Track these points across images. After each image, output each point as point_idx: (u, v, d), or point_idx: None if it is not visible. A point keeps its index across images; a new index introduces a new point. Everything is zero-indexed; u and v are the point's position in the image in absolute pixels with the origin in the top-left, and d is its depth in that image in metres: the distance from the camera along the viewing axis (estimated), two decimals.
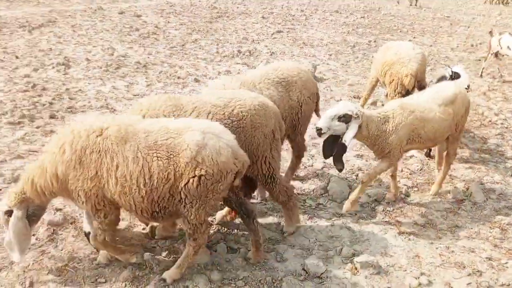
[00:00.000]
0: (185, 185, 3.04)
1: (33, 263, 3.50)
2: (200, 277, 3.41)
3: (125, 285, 3.32)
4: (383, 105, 7.11)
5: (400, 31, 14.86)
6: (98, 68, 8.85)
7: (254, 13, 17.44)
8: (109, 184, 3.06)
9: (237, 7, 18.59)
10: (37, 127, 6.09)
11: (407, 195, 4.94)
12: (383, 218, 4.45)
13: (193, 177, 3.02)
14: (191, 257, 3.34)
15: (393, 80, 6.09)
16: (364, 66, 10.32)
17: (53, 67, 8.61)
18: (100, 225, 3.25)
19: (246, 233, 4.03)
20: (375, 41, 12.97)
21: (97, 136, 3.08)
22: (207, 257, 3.66)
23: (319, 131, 3.88)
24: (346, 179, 5.14)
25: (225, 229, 4.11)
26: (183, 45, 11.46)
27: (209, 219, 3.79)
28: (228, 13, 17.03)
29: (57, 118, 6.47)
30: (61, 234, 3.88)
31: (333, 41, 13.00)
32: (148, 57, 10.00)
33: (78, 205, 3.28)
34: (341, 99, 7.77)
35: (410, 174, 5.44)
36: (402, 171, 5.44)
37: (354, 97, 7.96)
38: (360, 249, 3.90)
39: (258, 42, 12.36)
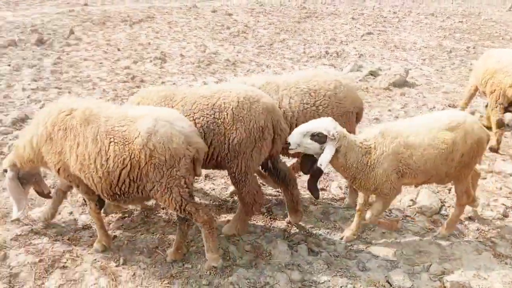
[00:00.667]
0: (142, 171, 3.13)
1: (127, 243, 3.76)
2: (281, 275, 3.44)
3: (209, 273, 3.44)
4: (481, 116, 6.62)
5: (503, 38, 13.69)
6: (191, 63, 9.28)
7: (344, 14, 17.13)
8: (71, 160, 3.25)
9: (326, 8, 18.39)
10: None
11: (505, 215, 4.54)
12: (477, 238, 4.14)
13: (148, 163, 3.09)
14: (210, 236, 3.39)
15: (494, 90, 5.65)
16: (461, 73, 9.66)
17: (151, 61, 9.19)
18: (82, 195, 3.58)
19: (328, 237, 3.98)
20: (474, 48, 12.09)
21: (66, 115, 3.30)
22: (288, 256, 3.67)
23: (287, 146, 3.45)
24: (438, 192, 4.85)
25: (307, 231, 4.09)
26: (271, 44, 11.60)
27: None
28: (317, 13, 16.91)
29: None
30: (153, 218, 4.13)
31: (428, 45, 12.34)
32: (237, 55, 10.27)
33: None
34: (434, 107, 7.35)
35: (510, 193, 4.99)
36: (501, 189, 5.01)
37: (449, 106, 7.48)
38: (450, 267, 3.66)
39: (347, 44, 12.13)
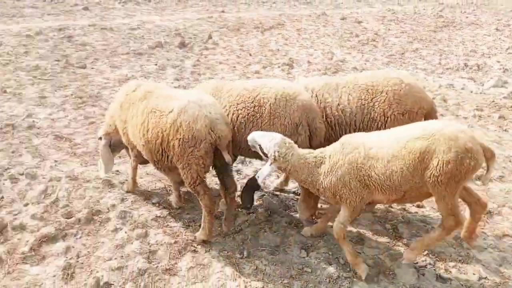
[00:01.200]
0: (170, 144, 3.55)
1: (250, 238, 3.94)
2: None
3: (328, 281, 3.43)
4: None
5: None
6: (317, 70, 9.34)
7: (486, 24, 15.63)
8: (129, 128, 3.90)
9: (466, 17, 16.98)
10: None
11: None
12: None
13: (174, 138, 3.50)
14: (207, 219, 3.70)
15: None
16: None
17: (279, 67, 9.48)
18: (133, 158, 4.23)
19: (460, 265, 3.67)
20: None
21: (132, 91, 3.96)
22: (414, 278, 3.47)
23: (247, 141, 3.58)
24: None
25: (436, 255, 3.81)
26: (402, 53, 11.11)
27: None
28: (455, 22, 15.71)
29: None
30: (276, 217, 4.25)
31: None
32: (365, 64, 10.04)
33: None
34: None
35: None
36: None
37: None
38: None
39: (489, 57, 11.04)
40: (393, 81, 3.93)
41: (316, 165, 3.41)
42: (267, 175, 3.52)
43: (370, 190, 3.33)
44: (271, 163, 3.42)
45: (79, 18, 13.06)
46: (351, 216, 3.43)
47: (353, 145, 3.34)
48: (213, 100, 3.75)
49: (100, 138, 4.42)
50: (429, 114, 3.98)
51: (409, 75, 4.32)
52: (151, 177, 4.85)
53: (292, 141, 3.45)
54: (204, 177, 3.66)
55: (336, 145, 3.43)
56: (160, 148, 3.65)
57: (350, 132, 3.82)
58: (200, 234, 3.79)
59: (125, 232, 3.87)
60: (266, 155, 3.42)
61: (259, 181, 3.56)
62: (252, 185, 3.82)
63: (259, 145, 3.44)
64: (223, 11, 15.98)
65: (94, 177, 4.70)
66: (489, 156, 3.21)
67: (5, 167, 4.79)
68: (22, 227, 3.86)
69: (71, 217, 4.01)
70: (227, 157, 3.55)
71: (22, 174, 4.68)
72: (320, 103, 4.05)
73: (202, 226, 3.78)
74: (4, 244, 3.66)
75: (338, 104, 3.99)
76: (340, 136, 3.55)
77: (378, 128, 3.90)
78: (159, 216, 4.17)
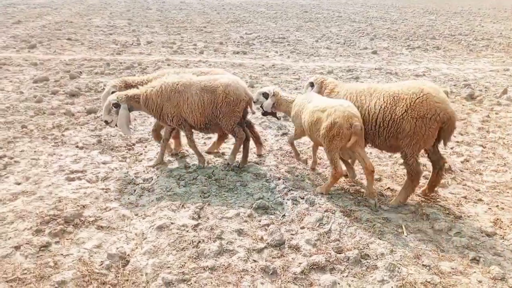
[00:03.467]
0: (219, 106, 5.66)
1: None
2: None
3: None
4: None
5: None
6: None
7: None
8: (184, 109, 5.67)
9: None
10: None
11: None
12: None
13: (223, 101, 5.62)
14: (236, 147, 6.04)
15: None
16: None
17: None
18: (186, 133, 5.92)
19: None
20: None
21: (175, 84, 5.68)
22: None
23: (254, 101, 5.97)
24: None
25: None
26: None
27: None
28: None
29: None
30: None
31: None
32: None
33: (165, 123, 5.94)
34: None
35: None
36: None
37: None
38: None
39: None
40: (413, 91, 4.63)
41: (289, 105, 5.76)
42: (269, 105, 5.87)
43: (303, 129, 5.45)
44: (269, 98, 5.85)
45: (366, 61, 13.82)
46: (296, 136, 5.80)
47: (301, 101, 5.48)
48: (241, 80, 5.95)
49: (116, 104, 5.62)
50: (448, 122, 4.57)
51: (434, 86, 4.72)
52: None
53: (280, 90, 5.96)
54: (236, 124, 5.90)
55: (297, 99, 5.64)
56: (211, 112, 5.71)
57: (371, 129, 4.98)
58: (229, 159, 6.11)
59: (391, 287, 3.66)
60: (267, 97, 5.89)
61: (265, 108, 5.94)
62: (265, 113, 6.14)
63: (264, 92, 5.91)
64: None
65: (365, 219, 4.69)
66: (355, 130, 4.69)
67: (289, 188, 5.36)
68: (297, 248, 4.17)
69: (341, 253, 4.08)
70: (253, 110, 6.12)
71: (302, 198, 5.12)
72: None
73: (232, 151, 6.15)
74: (281, 259, 4.02)
75: (373, 106, 4.90)
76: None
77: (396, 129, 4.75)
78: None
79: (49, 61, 12.59)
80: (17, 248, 4.01)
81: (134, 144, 6.89)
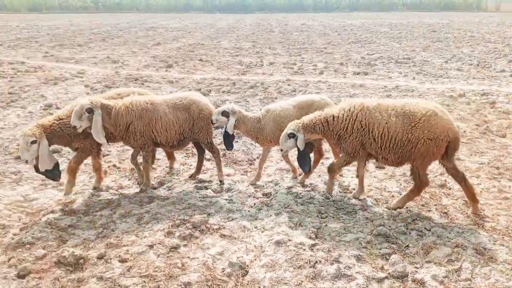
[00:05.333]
0: (195, 123, 5.87)
1: None
2: None
3: None
4: None
5: None
6: None
7: None
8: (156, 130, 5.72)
9: None
10: None
11: None
12: None
13: (199, 118, 5.86)
14: (218, 163, 6.18)
15: None
16: None
17: None
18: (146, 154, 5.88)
19: None
20: None
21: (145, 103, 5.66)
22: None
23: (212, 123, 5.83)
24: None
25: None
26: None
27: None
28: None
29: None
30: None
31: None
32: None
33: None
34: None
35: None
36: None
37: None
38: None
39: None
40: (425, 111, 4.81)
41: (254, 122, 5.87)
42: (232, 126, 5.69)
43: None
44: (231, 117, 5.70)
45: (504, 85, 12.49)
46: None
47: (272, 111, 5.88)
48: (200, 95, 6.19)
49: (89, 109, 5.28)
50: (453, 142, 4.89)
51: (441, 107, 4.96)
52: None
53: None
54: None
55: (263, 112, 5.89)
56: (188, 129, 5.93)
57: None
58: (219, 176, 6.23)
59: None
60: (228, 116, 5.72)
61: (229, 131, 5.74)
62: (226, 135, 5.83)
63: (223, 111, 5.73)
64: None
65: (502, 259, 4.18)
66: None
67: (413, 218, 5.04)
68: (421, 283, 3.87)
69: None
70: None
71: (429, 230, 4.77)
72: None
73: (217, 169, 6.27)
74: None
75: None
76: None
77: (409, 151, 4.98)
78: None
79: (183, 80, 13.85)
80: (151, 247, 4.43)
81: (254, 160, 7.17)
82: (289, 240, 4.53)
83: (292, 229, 4.80)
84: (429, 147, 4.79)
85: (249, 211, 5.32)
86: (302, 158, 5.49)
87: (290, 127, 5.36)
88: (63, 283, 3.86)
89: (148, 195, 5.77)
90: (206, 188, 6.00)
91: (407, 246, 4.47)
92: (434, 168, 6.52)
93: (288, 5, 70.15)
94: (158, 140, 5.77)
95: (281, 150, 5.56)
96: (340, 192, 5.80)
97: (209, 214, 5.15)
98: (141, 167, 6.02)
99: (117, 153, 7.38)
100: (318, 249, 4.40)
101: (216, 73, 15.01)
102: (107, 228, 4.88)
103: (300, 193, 5.77)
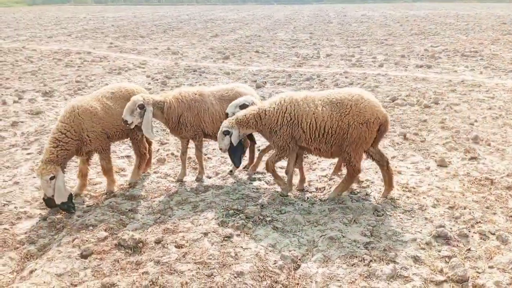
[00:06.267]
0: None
1: None
2: None
3: None
4: None
5: None
6: None
7: None
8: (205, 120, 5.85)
9: None
10: None
11: None
12: None
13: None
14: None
15: None
16: None
17: None
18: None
19: None
20: None
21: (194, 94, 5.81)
22: None
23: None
24: None
25: None
26: None
27: None
28: None
29: None
30: None
31: None
32: None
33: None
34: None
35: None
36: None
37: None
38: None
39: None
40: (355, 97, 4.89)
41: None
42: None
43: None
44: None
45: None
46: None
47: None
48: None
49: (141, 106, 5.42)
50: (383, 125, 4.97)
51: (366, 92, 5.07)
52: None
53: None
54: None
55: None
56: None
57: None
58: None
59: None
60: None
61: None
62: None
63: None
64: None
65: None
66: None
67: (476, 220, 4.76)
68: None
69: None
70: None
71: (493, 234, 4.49)
72: None
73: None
74: None
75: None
76: None
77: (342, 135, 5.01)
78: None
79: (239, 71, 13.97)
80: (205, 234, 4.53)
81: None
82: (343, 236, 4.45)
83: (346, 225, 4.70)
84: (361, 131, 4.86)
85: (301, 204, 5.28)
86: (234, 152, 5.42)
87: (224, 125, 5.25)
88: (122, 265, 4.05)
89: (203, 184, 5.90)
90: (259, 179, 6.03)
91: (469, 249, 4.24)
92: (501, 169, 6.12)
93: None
94: (206, 131, 5.86)
95: (220, 149, 5.38)
96: (398, 190, 5.60)
97: (262, 206, 5.18)
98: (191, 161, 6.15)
99: (175, 142, 7.60)
100: (373, 247, 4.29)
101: (272, 65, 14.99)
102: (164, 214, 5.05)
103: (355, 190, 5.64)
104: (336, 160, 6.04)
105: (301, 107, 5.04)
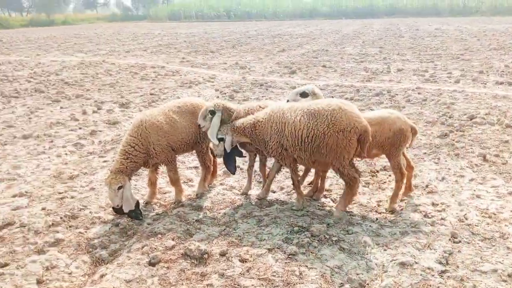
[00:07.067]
0: None
1: None
2: None
3: None
4: None
5: None
6: None
7: None
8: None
9: None
10: None
11: None
12: None
13: None
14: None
15: None
16: None
17: None
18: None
19: None
20: None
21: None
22: None
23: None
24: None
25: None
26: None
27: None
28: None
29: None
30: None
31: None
32: None
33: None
34: None
35: None
36: None
37: None
38: None
39: None
40: (332, 107, 4.93)
41: None
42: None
43: None
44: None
45: None
46: None
47: None
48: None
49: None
50: (363, 135, 4.91)
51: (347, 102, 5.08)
52: None
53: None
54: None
55: None
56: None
57: None
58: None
59: None
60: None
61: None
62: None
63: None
64: None
65: None
66: None
67: None
68: None
69: None
70: None
71: None
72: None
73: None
74: None
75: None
76: None
77: (318, 145, 5.00)
78: None
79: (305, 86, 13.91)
80: (270, 250, 4.47)
81: (378, 171, 6.82)
82: (416, 262, 4.18)
83: (419, 251, 4.42)
84: (338, 139, 4.88)
85: (370, 226, 5.06)
86: (228, 159, 5.53)
87: (219, 132, 5.45)
88: (188, 275, 4.10)
89: (268, 198, 5.87)
90: (325, 196, 5.88)
91: None
92: None
93: (421, 9, 66.20)
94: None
95: (216, 155, 5.61)
96: (477, 215, 5.18)
97: (328, 224, 5.03)
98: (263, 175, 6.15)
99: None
100: (449, 276, 3.98)
101: (340, 80, 14.75)
102: (229, 227, 5.07)
103: (430, 213, 5.30)
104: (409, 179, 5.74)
105: (285, 116, 5.17)
